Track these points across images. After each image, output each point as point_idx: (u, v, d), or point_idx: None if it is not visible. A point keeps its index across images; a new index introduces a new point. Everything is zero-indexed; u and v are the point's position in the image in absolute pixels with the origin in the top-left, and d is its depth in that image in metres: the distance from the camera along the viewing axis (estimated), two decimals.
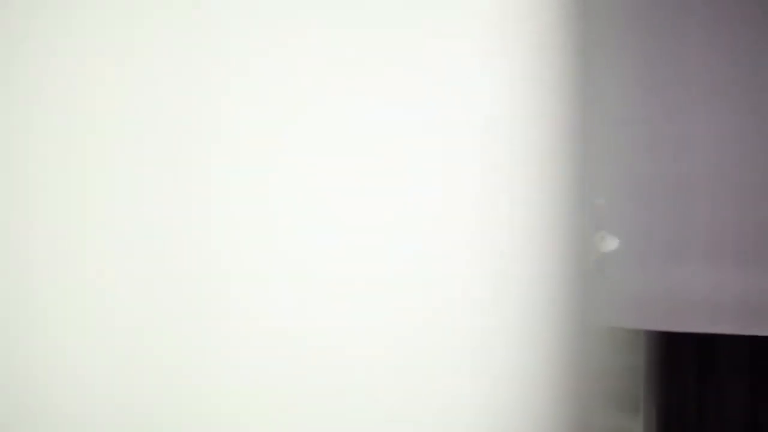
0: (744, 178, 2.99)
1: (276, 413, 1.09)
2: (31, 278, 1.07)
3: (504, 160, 1.15)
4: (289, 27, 1.06)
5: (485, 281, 1.14)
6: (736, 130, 3.02)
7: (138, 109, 1.05)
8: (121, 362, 1.07)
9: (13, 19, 1.03)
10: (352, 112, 1.08)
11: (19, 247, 1.06)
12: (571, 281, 1.22)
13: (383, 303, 1.09)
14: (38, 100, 1.04)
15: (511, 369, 1.16)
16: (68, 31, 1.04)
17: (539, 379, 1.18)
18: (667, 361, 3.59)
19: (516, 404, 1.17)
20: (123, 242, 1.06)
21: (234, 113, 1.06)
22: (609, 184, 3.16)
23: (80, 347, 1.08)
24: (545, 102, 1.21)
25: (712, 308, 3.04)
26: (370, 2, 1.09)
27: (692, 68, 3.03)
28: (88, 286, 1.07)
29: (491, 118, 1.15)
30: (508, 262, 1.16)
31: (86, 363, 1.07)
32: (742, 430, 3.26)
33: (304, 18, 1.06)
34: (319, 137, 1.09)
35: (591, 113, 3.44)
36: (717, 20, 2.89)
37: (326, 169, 1.08)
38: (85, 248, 1.06)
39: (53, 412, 1.07)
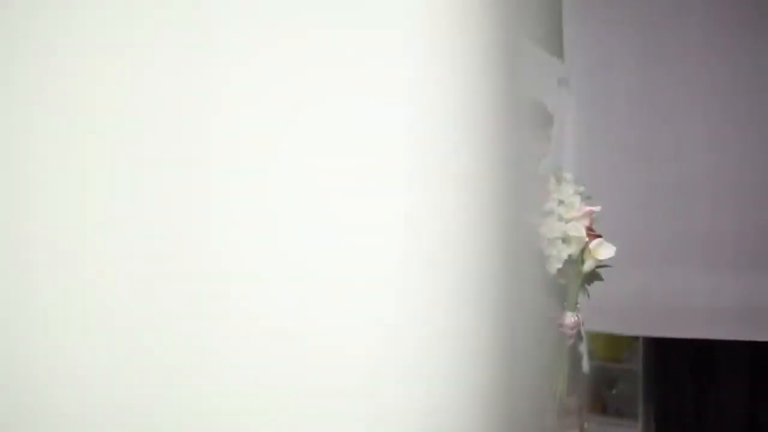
0: (742, 183, 3.01)
1: (276, 413, 1.09)
2: (32, 278, 1.07)
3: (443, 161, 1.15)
4: (288, 27, 1.07)
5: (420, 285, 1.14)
6: (733, 134, 3.03)
7: (138, 109, 1.06)
8: (121, 362, 1.08)
9: (13, 19, 1.04)
10: (348, 113, 1.09)
11: (19, 247, 1.07)
12: (516, 283, 1.22)
13: (359, 303, 1.09)
14: (38, 100, 1.05)
15: (445, 372, 1.16)
16: (68, 31, 1.04)
17: (475, 383, 1.18)
18: (665, 365, 3.59)
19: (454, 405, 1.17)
20: (123, 242, 1.07)
21: (234, 113, 1.07)
22: (606, 191, 3.17)
23: (80, 347, 1.08)
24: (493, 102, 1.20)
25: (710, 314, 3.05)
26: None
27: (689, 70, 3.04)
28: (88, 286, 1.07)
29: (449, 118, 1.15)
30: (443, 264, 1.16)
31: (86, 363, 1.07)
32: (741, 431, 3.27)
33: (304, 18, 1.07)
34: (317, 137, 1.09)
35: (584, 119, 3.42)
36: (716, 21, 2.91)
37: (321, 169, 1.09)
38: (85, 248, 1.07)
39: (53, 412, 1.07)
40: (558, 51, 3.76)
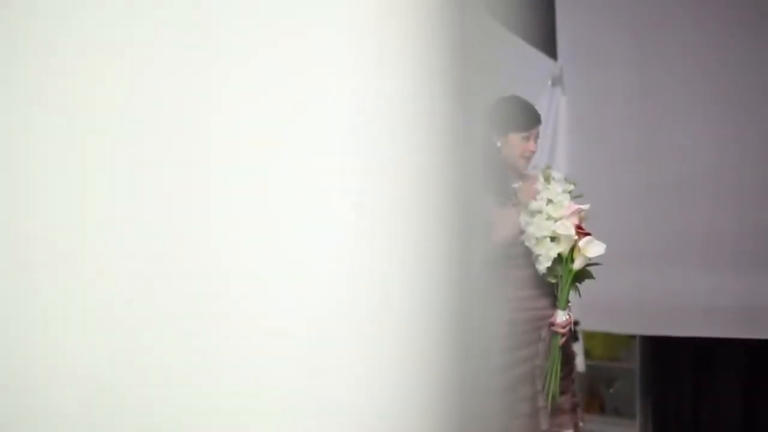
0: (740, 183, 3.02)
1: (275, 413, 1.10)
2: (32, 278, 1.08)
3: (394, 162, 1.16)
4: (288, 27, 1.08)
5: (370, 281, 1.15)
6: (731, 135, 3.04)
7: (138, 109, 1.06)
8: (121, 362, 1.09)
9: (13, 19, 1.04)
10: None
11: (19, 247, 1.07)
12: (457, 283, 1.23)
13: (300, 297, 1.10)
14: (38, 100, 1.05)
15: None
16: (68, 31, 1.05)
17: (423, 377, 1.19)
18: (662, 364, 3.61)
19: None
20: (123, 242, 1.08)
21: (234, 113, 1.08)
22: (604, 190, 3.18)
23: (80, 347, 1.09)
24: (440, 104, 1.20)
25: (707, 313, 3.06)
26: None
27: (688, 69, 3.05)
28: (88, 286, 1.08)
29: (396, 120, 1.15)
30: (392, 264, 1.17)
31: (86, 363, 1.08)
32: (737, 429, 3.29)
33: (304, 18, 1.07)
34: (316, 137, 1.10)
35: (576, 118, 3.41)
36: (714, 20, 2.91)
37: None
38: (85, 248, 1.08)
39: (53, 412, 1.08)
40: (551, 49, 3.77)
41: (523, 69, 3.61)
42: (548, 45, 3.66)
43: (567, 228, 2.20)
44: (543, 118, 3.53)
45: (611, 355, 4.16)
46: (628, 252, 3.45)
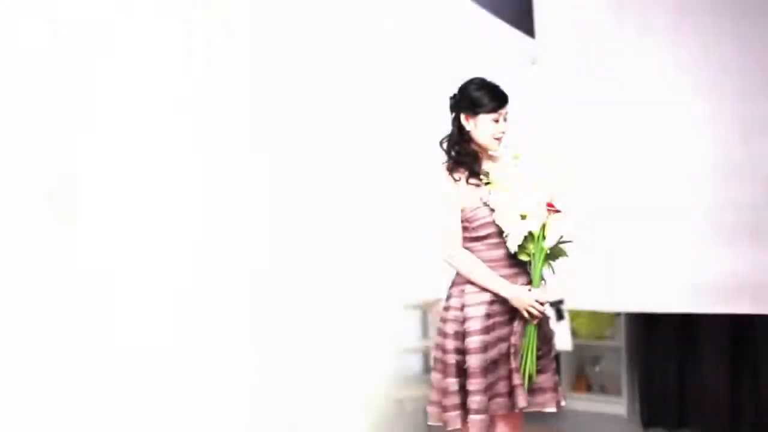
0: (724, 160, 3.14)
1: None
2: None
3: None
4: None
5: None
6: (715, 111, 3.16)
7: None
8: None
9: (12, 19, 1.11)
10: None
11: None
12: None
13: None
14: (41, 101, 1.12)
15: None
16: (68, 32, 1.12)
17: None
18: (647, 341, 3.73)
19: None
20: None
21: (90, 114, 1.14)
22: (589, 170, 3.26)
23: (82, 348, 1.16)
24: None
25: (692, 289, 3.18)
26: None
27: (670, 51, 3.15)
28: None
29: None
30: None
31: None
32: (723, 404, 3.42)
33: None
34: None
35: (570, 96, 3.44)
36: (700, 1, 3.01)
37: None
38: None
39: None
40: (529, 28, 3.85)
41: (497, 47, 3.68)
42: (526, 24, 3.74)
43: (537, 206, 2.26)
44: (521, 96, 3.61)
45: (597, 334, 4.24)
46: (613, 231, 3.54)
